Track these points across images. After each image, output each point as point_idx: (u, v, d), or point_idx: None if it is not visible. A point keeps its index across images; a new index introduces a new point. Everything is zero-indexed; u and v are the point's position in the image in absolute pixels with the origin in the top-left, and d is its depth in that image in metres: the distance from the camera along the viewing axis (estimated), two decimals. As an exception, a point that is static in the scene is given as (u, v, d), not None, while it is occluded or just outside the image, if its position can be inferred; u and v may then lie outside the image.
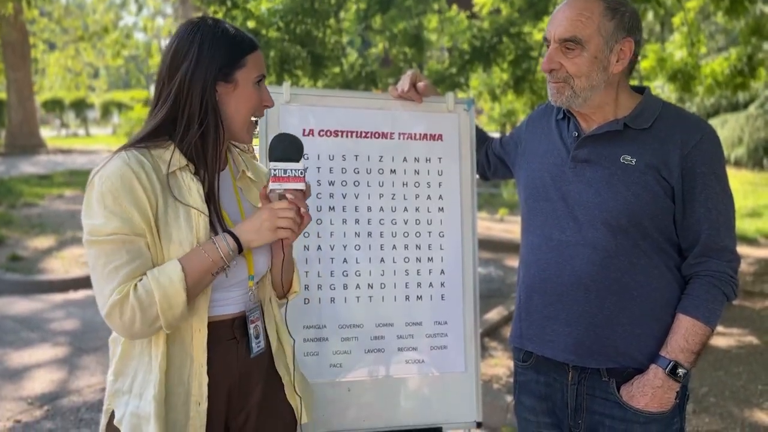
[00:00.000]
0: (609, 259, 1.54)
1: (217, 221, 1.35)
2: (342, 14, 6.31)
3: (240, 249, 1.33)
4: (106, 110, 25.70)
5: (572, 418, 1.63)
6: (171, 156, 1.34)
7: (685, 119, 1.57)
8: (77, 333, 4.72)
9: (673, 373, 1.50)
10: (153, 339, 1.33)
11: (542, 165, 1.67)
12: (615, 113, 1.58)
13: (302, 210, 1.38)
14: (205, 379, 1.34)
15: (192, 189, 1.34)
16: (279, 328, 1.54)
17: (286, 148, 1.38)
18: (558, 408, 1.66)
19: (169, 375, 1.32)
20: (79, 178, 11.10)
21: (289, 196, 1.37)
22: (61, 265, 6.33)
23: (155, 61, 15.25)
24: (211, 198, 1.36)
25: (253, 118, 1.43)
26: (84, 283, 5.81)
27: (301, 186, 1.37)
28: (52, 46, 17.25)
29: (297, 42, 5.28)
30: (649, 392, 1.51)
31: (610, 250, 1.54)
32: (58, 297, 5.63)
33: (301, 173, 1.37)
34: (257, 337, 1.43)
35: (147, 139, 1.35)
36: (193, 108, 1.33)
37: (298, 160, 1.38)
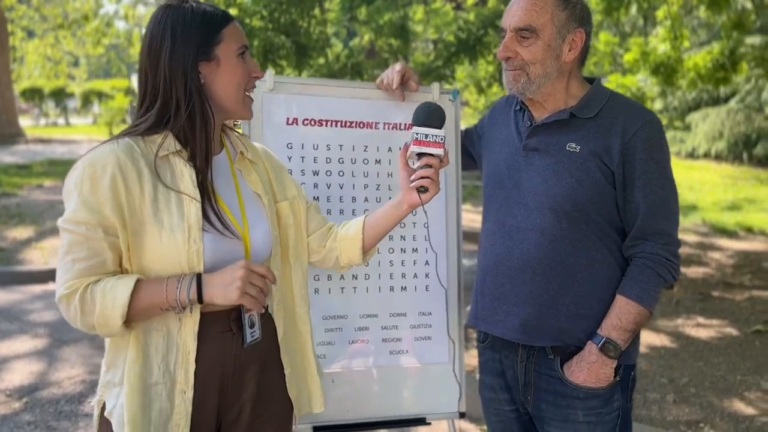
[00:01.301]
0: (554, 243, 1.60)
1: (209, 207, 1.33)
2: (327, 4, 6.27)
3: (200, 300, 1.27)
4: (87, 99, 25.32)
5: (523, 394, 1.69)
6: (163, 140, 1.32)
7: (628, 108, 1.62)
8: (57, 324, 4.65)
9: (605, 348, 1.55)
10: (142, 330, 1.31)
11: (500, 154, 1.74)
12: (565, 102, 1.65)
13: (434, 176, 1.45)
14: (192, 367, 1.31)
15: (184, 174, 1.32)
16: (297, 316, 1.54)
17: (429, 115, 1.46)
18: (511, 384, 1.72)
19: (154, 365, 1.30)
20: (58, 168, 10.94)
21: (425, 160, 1.44)
22: (40, 256, 6.24)
23: (136, 50, 15.05)
24: (204, 184, 1.34)
25: (246, 93, 1.40)
26: (64, 274, 5.72)
27: (439, 152, 1.45)
28: (31, 34, 16.95)
29: (281, 32, 5.24)
30: (585, 368, 1.57)
31: (556, 234, 1.60)
32: (38, 288, 5.56)
33: (441, 140, 1.45)
34: (252, 327, 1.40)
35: (144, 132, 1.33)
36: (179, 94, 1.31)
37: (439, 128, 1.45)
